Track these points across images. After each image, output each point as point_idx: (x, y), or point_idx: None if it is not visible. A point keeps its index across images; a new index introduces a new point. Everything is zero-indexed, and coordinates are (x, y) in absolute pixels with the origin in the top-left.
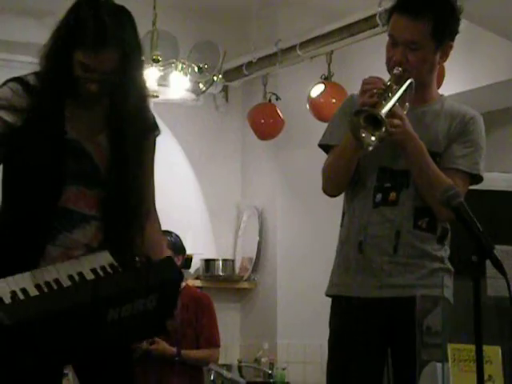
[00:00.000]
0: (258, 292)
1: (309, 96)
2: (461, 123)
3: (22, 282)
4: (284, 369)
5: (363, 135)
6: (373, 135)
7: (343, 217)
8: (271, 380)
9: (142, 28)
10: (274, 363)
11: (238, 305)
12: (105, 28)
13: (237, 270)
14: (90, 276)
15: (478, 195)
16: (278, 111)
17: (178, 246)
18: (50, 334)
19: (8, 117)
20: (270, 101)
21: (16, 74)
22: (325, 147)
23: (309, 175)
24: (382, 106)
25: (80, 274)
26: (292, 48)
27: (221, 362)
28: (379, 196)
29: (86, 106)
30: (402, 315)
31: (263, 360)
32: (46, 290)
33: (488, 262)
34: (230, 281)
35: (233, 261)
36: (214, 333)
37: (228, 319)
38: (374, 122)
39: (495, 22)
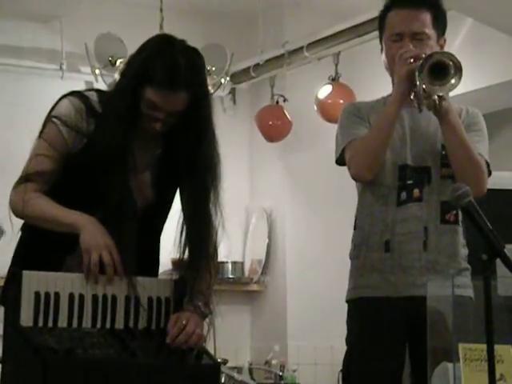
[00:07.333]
0: (267, 294)
1: (316, 97)
2: (467, 116)
3: (82, 287)
4: (294, 371)
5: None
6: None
7: (356, 219)
8: (282, 382)
9: (149, 31)
10: (284, 365)
11: (247, 307)
12: (180, 69)
13: (246, 273)
14: (144, 303)
15: (488, 194)
16: (286, 113)
17: None
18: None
19: (69, 137)
20: (277, 103)
21: (25, 80)
22: (341, 159)
23: (317, 176)
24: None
25: (136, 300)
26: (299, 49)
27: (231, 364)
28: (404, 194)
29: (141, 142)
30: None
31: (274, 362)
32: (100, 305)
33: (499, 261)
34: (240, 283)
35: (242, 263)
36: None
37: (238, 321)
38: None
39: (500, 20)
